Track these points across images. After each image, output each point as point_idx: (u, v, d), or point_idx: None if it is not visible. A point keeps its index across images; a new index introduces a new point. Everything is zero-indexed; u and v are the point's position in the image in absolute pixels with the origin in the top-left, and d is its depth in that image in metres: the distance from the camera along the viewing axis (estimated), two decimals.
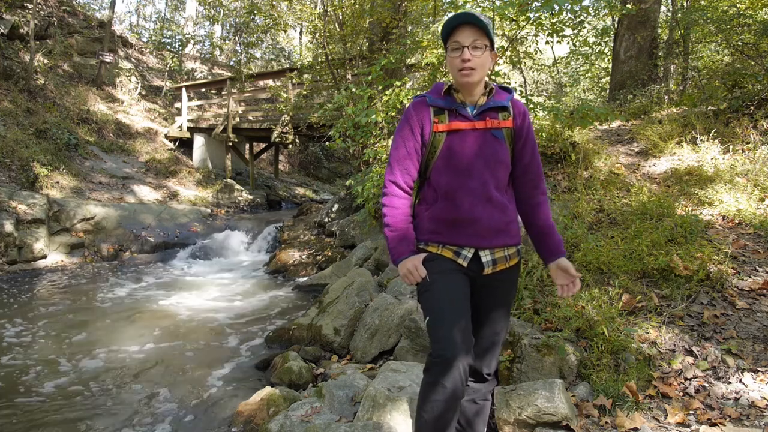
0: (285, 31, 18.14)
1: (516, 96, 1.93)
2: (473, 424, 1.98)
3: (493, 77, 5.37)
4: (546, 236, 1.89)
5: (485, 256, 1.81)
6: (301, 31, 21.68)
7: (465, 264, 1.80)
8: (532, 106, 5.41)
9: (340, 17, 8.93)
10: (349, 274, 4.92)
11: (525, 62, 10.09)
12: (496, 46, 1.85)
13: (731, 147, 4.92)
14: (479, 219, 1.77)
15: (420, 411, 1.75)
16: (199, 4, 18.96)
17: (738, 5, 7.41)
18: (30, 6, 12.40)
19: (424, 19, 8.71)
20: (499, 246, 1.82)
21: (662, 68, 9.26)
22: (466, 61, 1.73)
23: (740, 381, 2.48)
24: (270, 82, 15.41)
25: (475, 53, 1.73)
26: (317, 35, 10.04)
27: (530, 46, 8.95)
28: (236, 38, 22.22)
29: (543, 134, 5.16)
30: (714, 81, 7.07)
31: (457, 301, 1.76)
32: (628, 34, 8.94)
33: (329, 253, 7.29)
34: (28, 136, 9.78)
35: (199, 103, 14.82)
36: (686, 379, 2.56)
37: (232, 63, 20.80)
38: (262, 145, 14.21)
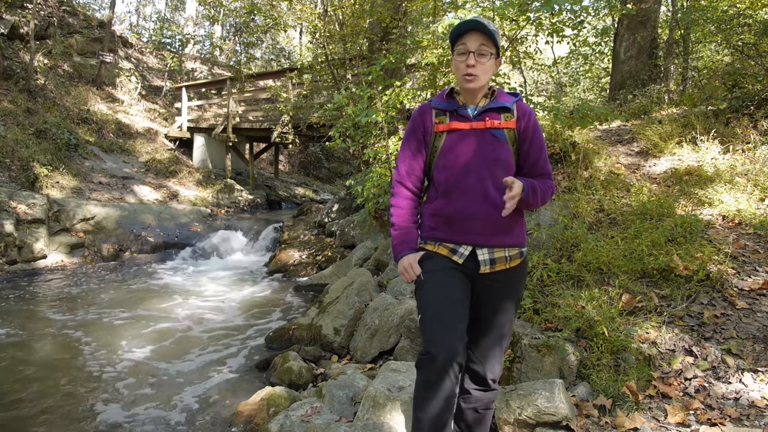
0: (285, 31, 18.16)
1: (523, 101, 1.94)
2: (473, 431, 1.99)
3: (493, 78, 5.37)
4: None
5: (482, 255, 1.81)
6: (301, 31, 21.67)
7: (461, 261, 1.81)
8: (532, 106, 5.41)
9: (340, 17, 8.93)
10: (349, 274, 4.92)
11: (525, 62, 10.07)
12: (500, 54, 1.85)
13: (731, 147, 4.92)
14: (475, 216, 1.78)
15: (415, 409, 1.77)
16: (199, 4, 18.96)
17: (738, 5, 7.41)
18: (30, 6, 12.40)
19: (424, 19, 8.70)
20: (498, 245, 1.82)
21: (662, 68, 9.25)
22: (471, 67, 1.77)
23: (740, 381, 2.48)
24: (270, 82, 15.41)
25: (480, 60, 1.77)
26: (317, 35, 10.04)
27: (530, 46, 8.94)
28: (236, 38, 22.23)
29: (543, 134, 5.16)
30: (714, 81, 7.07)
31: (449, 298, 1.77)
32: (628, 34, 8.93)
33: (329, 253, 7.29)
34: (28, 136, 9.78)
35: (199, 103, 14.82)
36: (686, 379, 2.56)
37: (232, 63, 20.80)
38: (262, 145, 14.20)
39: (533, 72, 14.84)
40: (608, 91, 10.05)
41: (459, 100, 1.87)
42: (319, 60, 9.44)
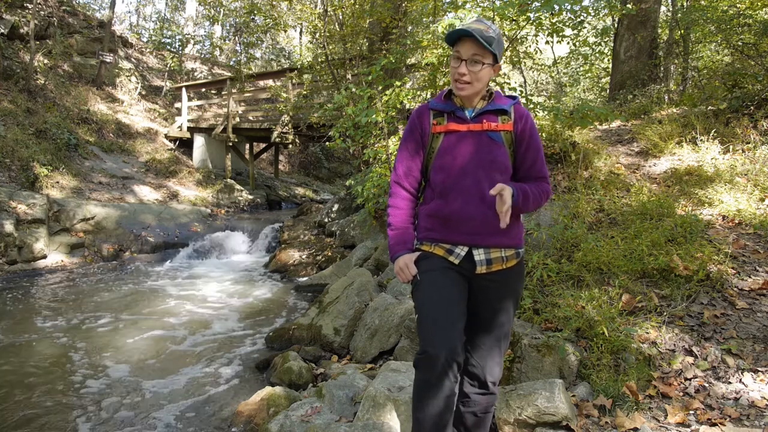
0: (285, 31, 18.15)
1: (522, 100, 1.94)
2: None
3: (493, 79, 5.37)
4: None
5: (478, 255, 1.81)
6: (301, 31, 21.67)
7: (457, 262, 1.81)
8: (532, 106, 5.40)
9: (340, 17, 8.93)
10: (349, 274, 4.92)
11: (525, 62, 10.08)
12: (500, 60, 1.83)
13: (731, 147, 4.92)
14: (472, 217, 1.78)
15: (414, 409, 1.76)
16: (199, 4, 18.96)
17: (738, 5, 7.41)
18: (30, 6, 12.40)
19: (424, 19, 8.70)
20: (494, 246, 1.81)
21: (662, 68, 9.25)
22: (462, 75, 1.77)
23: (740, 381, 2.48)
24: (270, 82, 15.41)
25: (473, 68, 1.76)
26: (317, 35, 10.05)
27: (530, 46, 8.95)
28: (236, 38, 22.23)
29: (543, 134, 5.16)
30: (714, 81, 7.07)
31: (445, 298, 1.77)
32: (628, 34, 8.94)
33: (329, 253, 7.29)
34: (28, 136, 9.78)
35: (199, 103, 14.82)
36: (686, 379, 2.56)
37: (232, 63, 20.80)
38: (262, 145, 14.21)
39: (533, 72, 14.85)
40: (608, 91, 10.05)
41: (457, 102, 1.87)
42: (319, 60, 9.44)
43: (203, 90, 16.14)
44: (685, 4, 10.39)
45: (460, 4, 6.43)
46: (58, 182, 9.19)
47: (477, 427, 1.96)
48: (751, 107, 5.44)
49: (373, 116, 5.27)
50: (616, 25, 10.18)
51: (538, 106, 5.49)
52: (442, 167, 1.83)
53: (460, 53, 1.77)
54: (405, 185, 1.92)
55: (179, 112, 14.23)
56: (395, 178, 1.94)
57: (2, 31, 11.89)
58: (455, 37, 1.78)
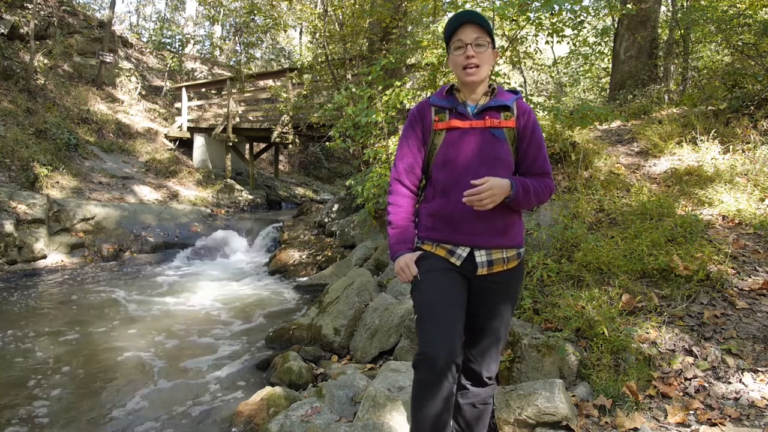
0: (285, 31, 18.16)
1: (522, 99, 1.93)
2: (473, 428, 1.98)
3: (492, 77, 5.38)
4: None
5: (480, 257, 1.79)
6: (301, 31, 21.68)
7: (458, 263, 1.79)
8: (532, 106, 5.41)
9: (340, 17, 8.93)
10: (349, 274, 4.92)
11: (525, 62, 10.09)
12: (496, 45, 1.86)
13: (731, 147, 4.92)
14: (475, 215, 1.76)
15: (413, 410, 1.75)
16: (199, 4, 18.97)
17: (738, 5, 7.41)
18: (30, 6, 12.40)
19: (424, 19, 8.71)
20: (496, 247, 1.80)
21: (662, 68, 9.26)
22: (470, 58, 1.76)
23: (740, 381, 2.48)
24: (270, 82, 15.41)
25: (478, 50, 1.76)
26: (317, 35, 10.05)
27: (530, 46, 8.95)
28: (236, 38, 22.23)
29: (542, 133, 5.17)
30: (714, 81, 7.07)
31: (446, 299, 1.75)
32: (628, 34, 8.94)
33: (329, 253, 7.29)
34: (28, 136, 9.78)
35: (199, 103, 14.82)
36: (686, 379, 2.56)
37: (232, 63, 20.80)
38: (262, 145, 14.21)
39: (533, 72, 14.85)
40: (608, 91, 10.05)
41: (459, 98, 1.85)
42: (319, 60, 9.44)
43: (203, 90, 16.14)
44: (685, 4, 10.40)
45: (460, 4, 6.43)
46: (58, 182, 9.19)
47: (477, 420, 1.96)
48: (751, 107, 5.44)
49: (373, 116, 5.28)
50: (616, 25, 10.18)
51: (538, 106, 5.50)
52: (445, 165, 1.80)
53: (462, 40, 1.77)
54: (405, 183, 1.89)
55: (179, 112, 14.23)
56: (395, 175, 1.90)
57: (2, 31, 11.89)
58: (455, 26, 1.79)
